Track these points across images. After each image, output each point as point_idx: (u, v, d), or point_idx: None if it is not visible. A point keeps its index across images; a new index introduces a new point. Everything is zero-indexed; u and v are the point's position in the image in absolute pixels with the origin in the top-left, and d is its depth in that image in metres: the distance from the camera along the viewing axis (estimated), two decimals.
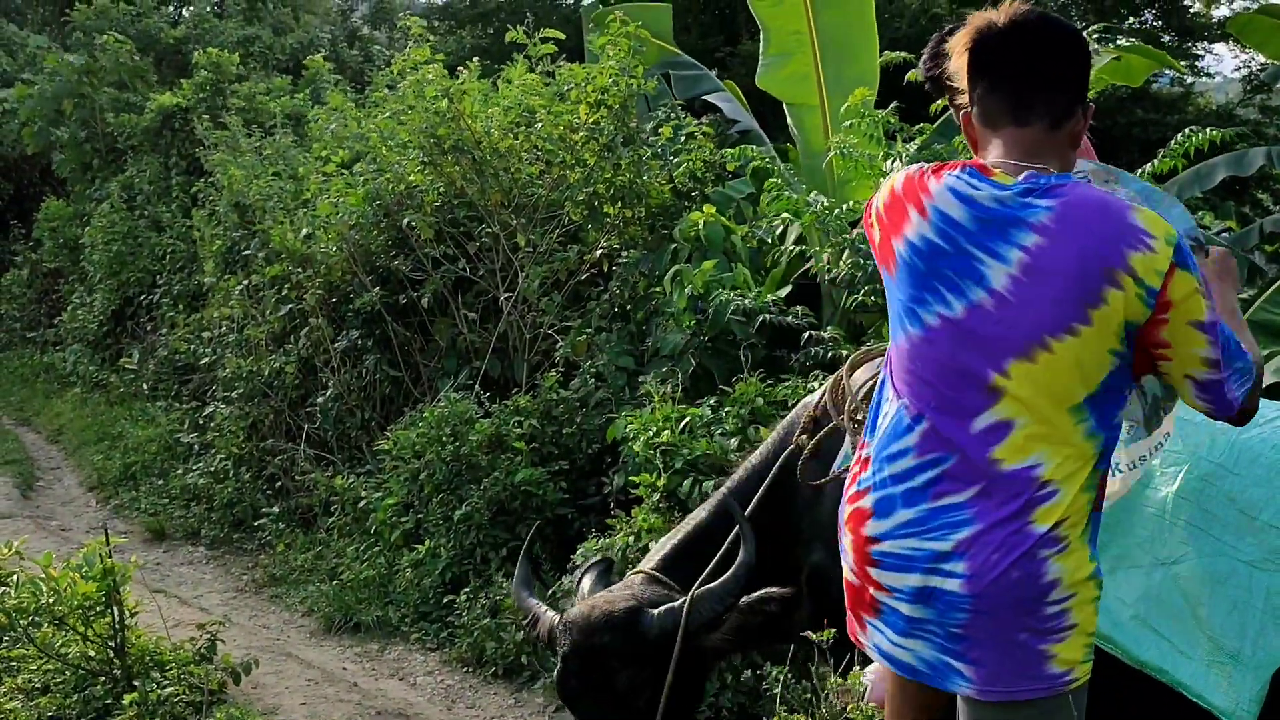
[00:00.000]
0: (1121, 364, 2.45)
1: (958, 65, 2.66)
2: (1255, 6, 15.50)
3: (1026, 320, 2.43)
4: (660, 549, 3.90)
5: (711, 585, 3.53)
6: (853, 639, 2.83)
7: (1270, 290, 7.89)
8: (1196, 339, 2.40)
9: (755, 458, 4.00)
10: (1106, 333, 2.39)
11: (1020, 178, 2.49)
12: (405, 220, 8.93)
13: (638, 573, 3.81)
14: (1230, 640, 3.02)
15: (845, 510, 2.77)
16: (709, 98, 10.44)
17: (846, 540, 2.74)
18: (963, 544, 2.49)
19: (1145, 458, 3.17)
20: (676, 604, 3.53)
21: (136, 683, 5.39)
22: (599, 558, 4.25)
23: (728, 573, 3.54)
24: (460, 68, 9.28)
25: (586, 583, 3.93)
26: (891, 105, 6.81)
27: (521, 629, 3.91)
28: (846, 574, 2.75)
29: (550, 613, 3.76)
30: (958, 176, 2.54)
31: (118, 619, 5.44)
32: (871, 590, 2.65)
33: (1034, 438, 2.45)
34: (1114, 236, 2.37)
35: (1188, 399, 2.53)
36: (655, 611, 3.54)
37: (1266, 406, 3.22)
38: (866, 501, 2.68)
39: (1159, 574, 3.12)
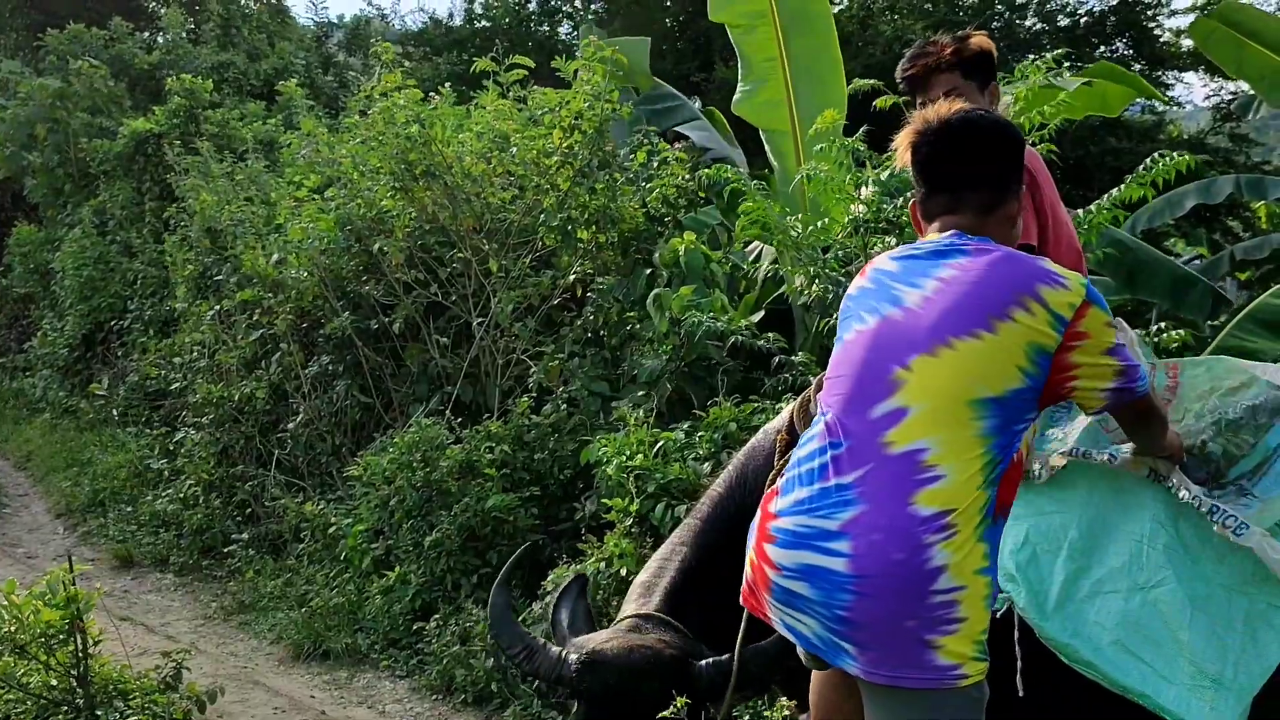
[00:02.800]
0: (1030, 386, 2.66)
1: (903, 160, 3.01)
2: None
3: (933, 323, 2.70)
4: (654, 589, 3.75)
5: (765, 645, 3.40)
6: (762, 617, 2.92)
7: (1239, 317, 7.94)
8: (1108, 360, 2.71)
9: (719, 485, 3.95)
10: (1013, 348, 2.64)
11: (945, 237, 2.84)
12: (376, 245, 8.90)
13: (645, 616, 3.65)
14: (1211, 664, 3.02)
15: (764, 495, 2.93)
16: (681, 129, 10.45)
17: (755, 520, 2.88)
18: (848, 523, 2.63)
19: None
20: (724, 659, 3.41)
21: (99, 712, 5.29)
22: (573, 575, 4.10)
23: (779, 634, 3.46)
24: (432, 93, 9.27)
25: (565, 608, 3.85)
26: (860, 130, 6.81)
27: (502, 657, 3.73)
28: (749, 554, 2.88)
29: (552, 646, 3.57)
30: (887, 257, 2.94)
31: (80, 647, 5.34)
32: (765, 567, 2.78)
33: (925, 423, 2.63)
34: (1029, 275, 2.70)
35: (1091, 403, 2.79)
36: (703, 664, 3.45)
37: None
38: (778, 483, 2.85)
39: (1137, 599, 3.12)
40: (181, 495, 9.80)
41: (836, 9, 18.56)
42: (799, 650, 3.04)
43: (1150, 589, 3.11)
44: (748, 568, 2.91)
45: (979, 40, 3.88)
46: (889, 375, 2.70)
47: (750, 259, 8.10)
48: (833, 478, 2.69)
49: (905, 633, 2.56)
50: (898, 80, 4.04)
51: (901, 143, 2.99)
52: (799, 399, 3.83)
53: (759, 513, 2.88)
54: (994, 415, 2.64)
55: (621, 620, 3.68)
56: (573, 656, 3.48)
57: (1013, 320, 2.64)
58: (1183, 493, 3.11)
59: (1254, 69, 10.60)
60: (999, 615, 3.08)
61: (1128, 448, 3.19)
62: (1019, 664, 3.11)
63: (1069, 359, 2.67)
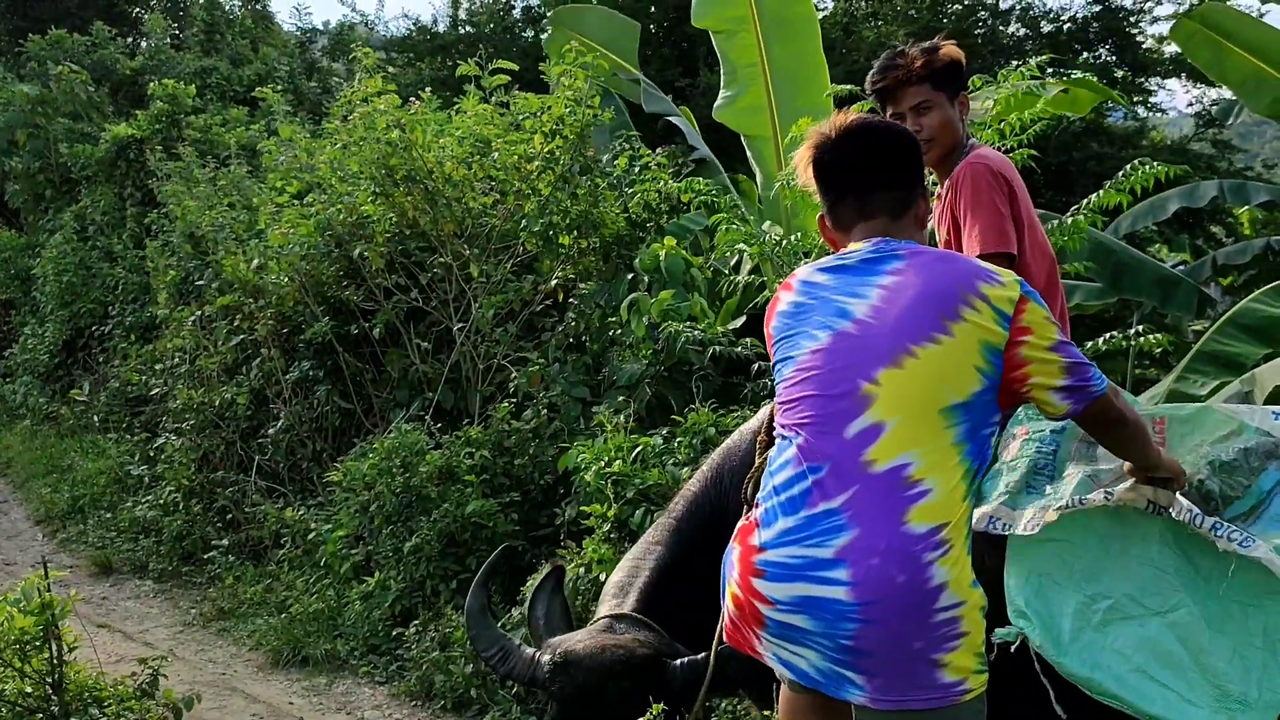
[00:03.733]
0: (988, 385, 2.69)
1: (805, 178, 3.03)
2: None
3: (890, 333, 2.68)
4: (630, 588, 3.76)
5: None
6: (750, 653, 2.86)
7: (1220, 321, 7.97)
8: (1054, 356, 2.70)
9: (695, 485, 3.95)
10: (969, 348, 2.66)
11: (871, 244, 2.84)
12: (357, 251, 8.88)
13: (619, 616, 3.65)
14: (1236, 685, 2.99)
15: (738, 527, 2.85)
16: (673, 120, 10.46)
17: (734, 554, 2.80)
18: (842, 550, 2.58)
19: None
20: (700, 659, 3.40)
21: None
22: (549, 569, 4.06)
23: None
24: (413, 98, 9.26)
25: (541, 603, 3.83)
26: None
27: (481, 662, 3.71)
28: (733, 589, 2.80)
29: (528, 648, 3.59)
30: (812, 268, 2.92)
31: (55, 654, 5.31)
32: (755, 603, 2.70)
33: (903, 437, 2.62)
34: (968, 273, 2.74)
35: (1051, 406, 2.77)
36: (678, 663, 3.44)
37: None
38: (754, 514, 2.78)
39: (1154, 624, 3.07)
40: (161, 501, 9.75)
41: (820, 15, 18.62)
42: (783, 674, 3.01)
43: (1167, 613, 3.07)
44: (729, 603, 2.84)
45: (948, 50, 3.88)
46: (857, 391, 2.67)
47: (732, 264, 8.10)
48: (819, 504, 2.64)
49: (913, 655, 2.55)
50: (867, 92, 4.04)
51: (801, 159, 3.02)
52: (776, 401, 3.83)
53: (736, 546, 2.81)
54: (964, 421, 2.66)
55: (596, 621, 3.67)
56: (545, 658, 3.49)
57: (964, 320, 2.66)
58: (1183, 515, 3.08)
59: (1235, 73, 10.63)
60: (1014, 649, 3.07)
61: (1121, 486, 3.15)
62: (1052, 692, 3.07)
63: (1019, 355, 2.69)
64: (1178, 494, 3.04)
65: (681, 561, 3.75)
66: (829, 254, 3.11)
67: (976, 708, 2.67)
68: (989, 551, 3.04)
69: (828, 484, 2.64)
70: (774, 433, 2.93)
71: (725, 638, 2.98)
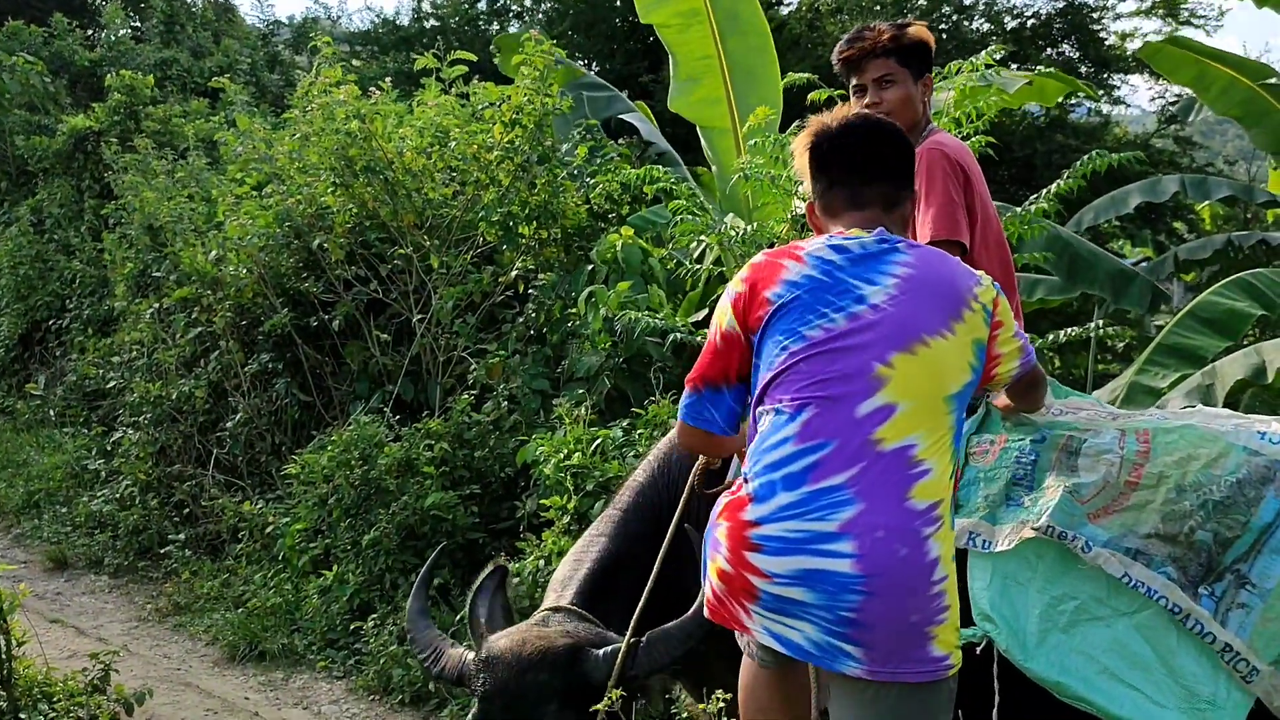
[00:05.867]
0: (974, 379, 2.87)
1: (800, 164, 3.13)
2: (1165, 37, 15.82)
3: (906, 322, 2.77)
4: (570, 581, 3.72)
5: (668, 628, 3.37)
6: (736, 628, 2.87)
7: (1180, 315, 8.02)
8: (1016, 343, 2.98)
9: (641, 475, 3.91)
10: (965, 344, 2.83)
11: (874, 233, 2.92)
12: (316, 242, 8.80)
13: (555, 609, 3.62)
14: (1205, 686, 2.99)
15: (720, 504, 2.86)
16: (625, 117, 10.44)
17: (721, 530, 2.80)
18: (847, 523, 2.63)
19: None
20: (624, 645, 3.36)
21: (23, 715, 5.18)
22: (492, 567, 4.01)
23: (685, 616, 3.36)
24: (373, 89, 9.18)
25: (482, 603, 3.78)
26: (793, 125, 6.81)
27: (424, 664, 3.67)
28: (720, 565, 2.80)
29: (457, 648, 3.56)
30: (822, 243, 2.93)
31: (4, 649, 5.23)
32: (749, 576, 2.72)
33: (913, 420, 2.71)
34: (963, 273, 2.92)
35: (1004, 384, 3.07)
36: (600, 652, 3.38)
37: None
38: (745, 490, 2.79)
39: (1121, 624, 3.07)
40: (118, 496, 9.62)
41: (786, 10, 18.65)
42: (749, 648, 3.01)
43: (1134, 614, 3.06)
44: (714, 579, 2.84)
45: (918, 30, 3.90)
46: (871, 373, 2.73)
47: (694, 255, 8.07)
48: (822, 479, 2.68)
49: (910, 628, 2.62)
50: (834, 63, 4.03)
51: (799, 145, 3.13)
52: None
53: (724, 522, 2.81)
54: (958, 409, 2.82)
55: (534, 615, 3.64)
56: (470, 656, 3.45)
57: (963, 320, 2.83)
58: (1206, 627, 3.01)
59: (1200, 80, 10.79)
60: (979, 651, 3.05)
61: (1103, 537, 3.11)
62: (996, 698, 3.07)
63: (995, 348, 2.91)
64: (1177, 589, 3.03)
65: (626, 552, 3.72)
66: (788, 242, 3.12)
67: (952, 686, 2.75)
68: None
69: (832, 461, 2.68)
70: (760, 405, 2.92)
71: (708, 613, 2.96)
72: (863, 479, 2.66)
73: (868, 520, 2.62)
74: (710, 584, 2.88)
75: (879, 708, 2.70)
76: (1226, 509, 3.10)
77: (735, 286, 2.99)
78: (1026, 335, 3.08)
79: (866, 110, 3.23)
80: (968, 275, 2.92)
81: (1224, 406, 6.63)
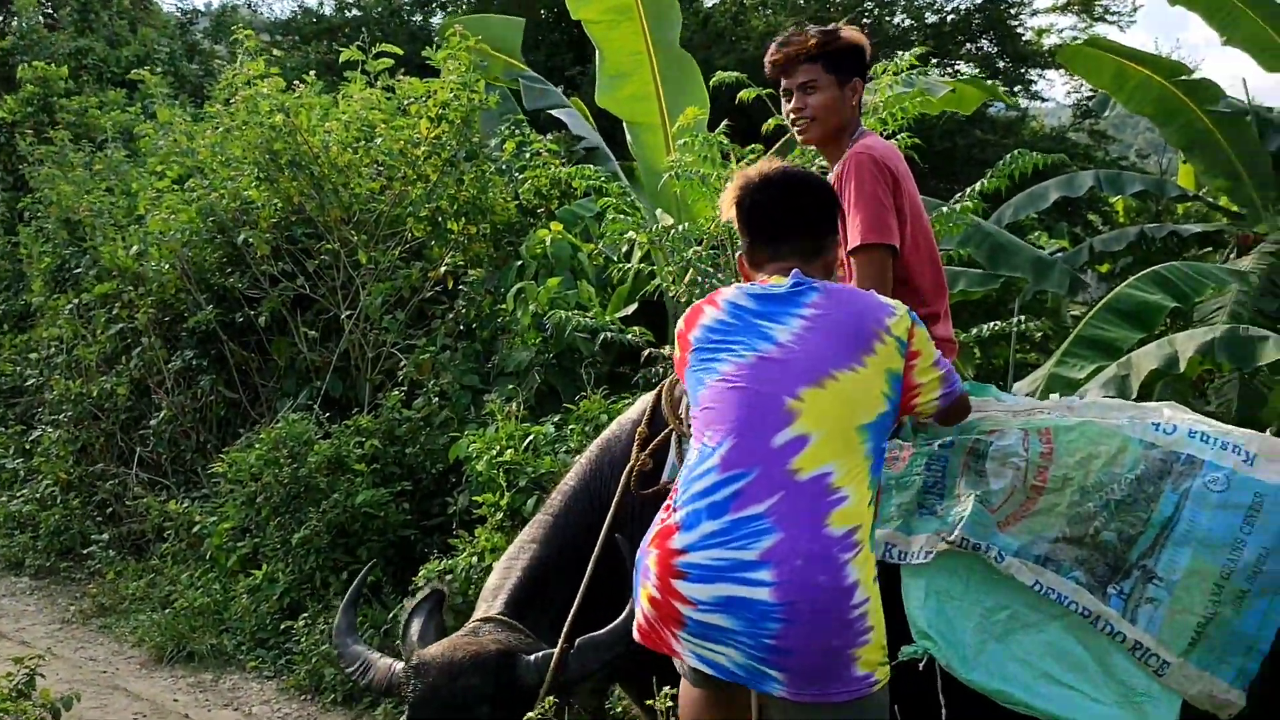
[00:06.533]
0: (890, 410, 2.94)
1: (728, 217, 3.26)
2: (1082, 37, 16.13)
3: (813, 359, 2.89)
4: (500, 590, 3.72)
5: (599, 635, 3.40)
6: (667, 652, 2.92)
7: (1098, 307, 8.18)
8: (936, 370, 3.03)
9: (572, 479, 3.91)
10: (877, 377, 2.90)
11: (790, 278, 3.03)
12: (241, 237, 8.70)
13: (484, 619, 3.62)
14: (1139, 680, 3.06)
15: (651, 531, 2.92)
16: (555, 113, 10.43)
17: (650, 558, 2.87)
18: (767, 552, 2.70)
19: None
20: (556, 651, 3.39)
21: None
22: (429, 591, 3.99)
23: (617, 622, 3.39)
24: (297, 82, 9.09)
25: (415, 625, 3.77)
26: (722, 125, 6.86)
27: (352, 677, 3.67)
28: (650, 591, 2.86)
29: (385, 658, 3.57)
30: (739, 290, 3.10)
31: None
32: (675, 603, 2.78)
33: (827, 449, 2.80)
34: (874, 308, 3.00)
35: (928, 412, 3.10)
36: (532, 658, 3.41)
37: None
38: (673, 518, 2.86)
39: (1054, 627, 3.13)
40: (38, 495, 9.45)
41: (710, 3, 18.71)
42: (682, 666, 3.05)
43: (1064, 616, 3.13)
44: (644, 605, 2.91)
45: (849, 36, 3.91)
46: (782, 406, 2.83)
47: (623, 250, 8.10)
48: (744, 509, 2.76)
49: (831, 651, 2.69)
50: (765, 66, 4.07)
51: (726, 198, 3.25)
52: (655, 392, 3.83)
53: (653, 550, 2.88)
54: (872, 439, 2.88)
55: (464, 626, 3.65)
56: (399, 665, 3.46)
57: (874, 353, 2.91)
58: (1116, 627, 3.09)
59: (1117, 79, 11.03)
60: (921, 667, 3.11)
61: (1014, 545, 3.19)
62: (943, 712, 3.12)
63: (912, 378, 2.98)
64: (1085, 593, 3.11)
65: (557, 558, 3.71)
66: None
67: (882, 699, 2.81)
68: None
69: (753, 490, 2.77)
70: (687, 437, 3.09)
71: (639, 637, 3.01)
72: (781, 507, 2.74)
73: (786, 548, 2.70)
74: (641, 610, 2.94)
75: None
76: (1128, 507, 3.18)
77: (679, 325, 3.19)
78: (949, 363, 3.13)
79: (789, 165, 3.32)
80: (879, 308, 3.00)
81: (1138, 397, 6.83)
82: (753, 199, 3.19)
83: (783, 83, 3.97)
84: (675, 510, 2.89)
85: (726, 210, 3.28)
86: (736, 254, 3.33)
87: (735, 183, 3.25)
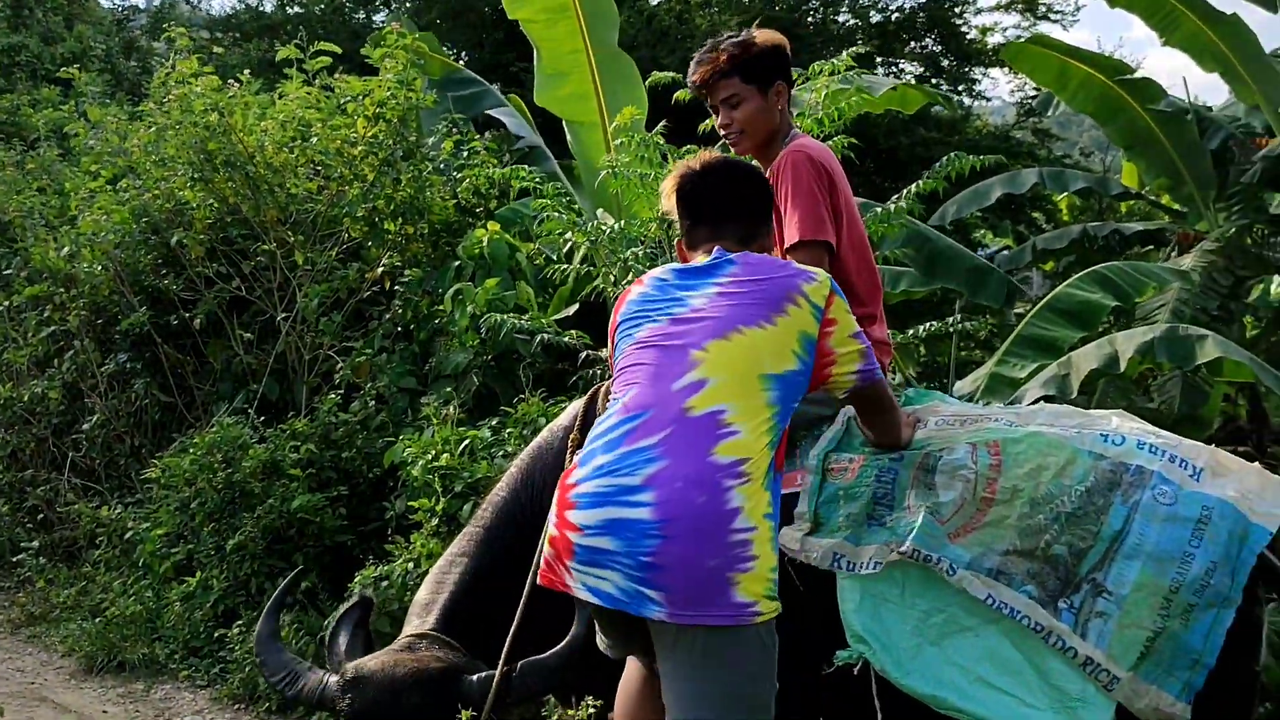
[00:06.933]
0: (802, 370, 3.03)
1: (668, 206, 3.42)
2: (1026, 35, 16.25)
3: (724, 319, 3.03)
4: (432, 606, 3.66)
5: (543, 659, 3.36)
6: (561, 589, 2.99)
7: (1039, 306, 8.23)
8: (854, 343, 3.12)
9: (503, 490, 3.85)
10: (788, 335, 3.01)
11: (713, 253, 3.20)
12: (175, 238, 8.55)
13: (417, 635, 3.56)
14: (1073, 684, 3.07)
15: (560, 480, 3.06)
16: (493, 113, 10.35)
17: (554, 501, 2.99)
18: (650, 478, 2.83)
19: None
20: (497, 674, 3.34)
21: None
22: (357, 599, 3.93)
23: (561, 646, 3.36)
24: (232, 80, 8.95)
25: (342, 637, 3.69)
26: (659, 125, 6.81)
27: (278, 688, 3.59)
28: (550, 530, 2.99)
29: (315, 669, 3.50)
30: (664, 269, 3.30)
31: None
32: (567, 533, 2.91)
33: (723, 391, 2.92)
34: (793, 275, 3.12)
35: (844, 386, 3.15)
36: (475, 678, 3.37)
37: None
38: (575, 460, 3.06)
39: (989, 632, 3.14)
40: None
41: (654, 2, 18.67)
42: (600, 642, 3.14)
43: (1001, 620, 3.13)
44: (546, 546, 3.00)
45: (764, 40, 3.87)
46: (687, 357, 2.97)
47: (564, 251, 8.04)
48: (635, 442, 2.90)
49: (707, 572, 2.75)
50: (688, 85, 4.04)
51: (667, 186, 3.40)
52: (586, 396, 3.78)
53: (556, 495, 2.99)
54: (777, 389, 2.96)
55: (396, 641, 3.58)
56: (334, 678, 3.39)
57: (786, 314, 3.02)
58: (1068, 643, 3.10)
59: (1060, 78, 11.11)
60: (856, 671, 3.12)
61: (965, 557, 3.17)
62: (878, 716, 3.12)
63: (827, 345, 3.07)
64: (1038, 608, 3.13)
65: (489, 571, 3.66)
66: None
67: (767, 635, 2.87)
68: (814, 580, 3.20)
69: (646, 426, 2.91)
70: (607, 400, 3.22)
71: (540, 581, 3.07)
72: (670, 440, 2.86)
73: (670, 474, 2.81)
74: (543, 552, 3.04)
75: (686, 652, 2.83)
76: (1078, 520, 3.19)
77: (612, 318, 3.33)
78: (870, 344, 3.22)
79: (725, 156, 3.46)
80: (798, 274, 3.12)
81: (1079, 395, 6.86)
82: (694, 184, 3.33)
83: (708, 101, 3.95)
84: (578, 455, 3.06)
85: (667, 198, 3.40)
86: (676, 240, 3.42)
87: (676, 171, 3.38)
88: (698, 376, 2.93)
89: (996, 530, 3.20)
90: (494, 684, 3.31)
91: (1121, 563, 3.13)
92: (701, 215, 3.32)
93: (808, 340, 3.03)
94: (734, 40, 3.86)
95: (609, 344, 3.32)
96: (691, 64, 3.96)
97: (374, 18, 19.99)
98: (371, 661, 3.43)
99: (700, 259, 3.23)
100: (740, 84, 3.83)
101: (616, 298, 5.58)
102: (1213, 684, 3.09)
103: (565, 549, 2.90)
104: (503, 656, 3.35)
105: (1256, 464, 3.38)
